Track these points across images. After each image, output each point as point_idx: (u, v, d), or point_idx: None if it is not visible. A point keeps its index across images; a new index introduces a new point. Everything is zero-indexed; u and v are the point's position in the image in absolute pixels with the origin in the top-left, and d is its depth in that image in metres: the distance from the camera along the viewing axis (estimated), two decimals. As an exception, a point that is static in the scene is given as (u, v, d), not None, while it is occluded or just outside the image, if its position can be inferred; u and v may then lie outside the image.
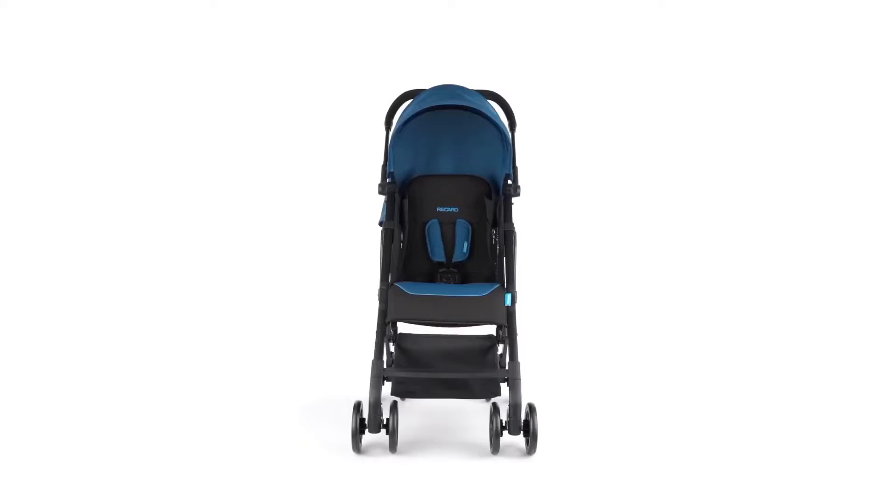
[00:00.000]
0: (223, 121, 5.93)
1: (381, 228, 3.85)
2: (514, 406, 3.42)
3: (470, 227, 3.97)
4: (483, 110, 3.76)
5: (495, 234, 3.92)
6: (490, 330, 4.08)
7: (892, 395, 4.30)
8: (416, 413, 3.99)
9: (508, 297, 3.62)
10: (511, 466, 3.43)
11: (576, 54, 5.78)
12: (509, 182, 3.88)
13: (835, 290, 5.58)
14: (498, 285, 3.69)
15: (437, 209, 3.98)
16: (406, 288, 3.67)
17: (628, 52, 5.81)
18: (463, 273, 3.97)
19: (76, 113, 5.91)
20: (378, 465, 3.43)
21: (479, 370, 3.56)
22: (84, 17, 5.87)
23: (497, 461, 3.47)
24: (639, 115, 5.81)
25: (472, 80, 3.99)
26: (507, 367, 3.66)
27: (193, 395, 4.20)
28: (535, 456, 3.49)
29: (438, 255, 3.96)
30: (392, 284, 3.71)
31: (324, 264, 5.59)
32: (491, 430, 3.46)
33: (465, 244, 3.94)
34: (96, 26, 5.88)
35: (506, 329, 3.62)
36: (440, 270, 3.95)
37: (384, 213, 3.88)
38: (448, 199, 3.97)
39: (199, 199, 5.91)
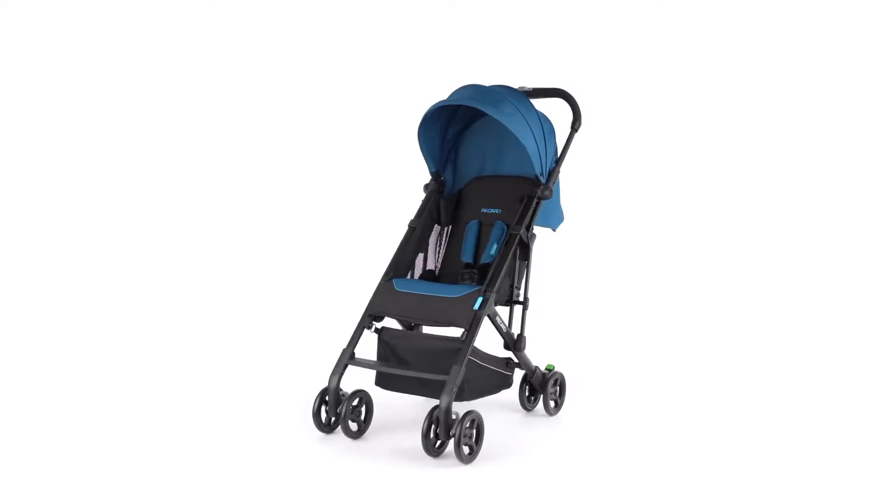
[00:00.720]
0: (224, 121, 5.94)
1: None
2: (443, 410, 3.35)
3: (506, 228, 3.95)
4: (495, 114, 3.67)
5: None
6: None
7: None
8: (404, 407, 4.05)
9: (479, 300, 3.55)
10: (437, 473, 3.33)
11: (575, 54, 5.77)
12: (541, 184, 3.83)
13: (846, 290, 5.58)
14: (477, 288, 3.62)
15: (482, 210, 4.03)
16: (397, 285, 3.71)
17: (627, 52, 5.81)
18: (485, 275, 3.88)
19: (77, 113, 5.93)
20: (325, 454, 3.49)
21: (442, 372, 3.45)
22: (84, 16, 5.87)
23: (430, 465, 3.39)
24: (638, 114, 5.80)
25: (479, 80, 3.98)
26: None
27: (194, 394, 4.22)
28: (472, 464, 3.40)
29: (467, 256, 3.99)
30: (388, 280, 3.75)
31: (334, 264, 5.59)
32: (422, 431, 3.41)
33: (495, 246, 3.91)
34: (96, 26, 5.89)
35: (465, 333, 3.50)
36: (462, 271, 3.96)
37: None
38: (494, 201, 4.01)
39: (202, 201, 5.92)
